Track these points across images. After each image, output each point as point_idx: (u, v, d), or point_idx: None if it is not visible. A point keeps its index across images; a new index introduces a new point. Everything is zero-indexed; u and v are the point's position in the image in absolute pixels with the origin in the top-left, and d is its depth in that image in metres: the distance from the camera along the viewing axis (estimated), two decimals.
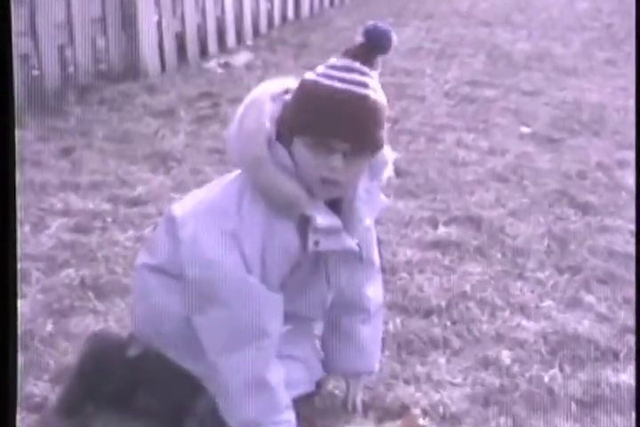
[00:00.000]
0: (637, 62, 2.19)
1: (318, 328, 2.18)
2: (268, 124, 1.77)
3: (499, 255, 2.98)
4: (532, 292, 2.76)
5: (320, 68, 1.78)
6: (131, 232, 3.07)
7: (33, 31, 4.27)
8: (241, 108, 1.82)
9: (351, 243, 1.88)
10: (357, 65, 1.75)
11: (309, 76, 1.78)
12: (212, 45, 5.42)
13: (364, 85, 1.74)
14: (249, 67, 5.30)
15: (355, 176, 1.81)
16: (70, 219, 3.14)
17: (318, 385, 2.14)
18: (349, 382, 2.17)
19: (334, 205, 1.85)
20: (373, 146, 1.80)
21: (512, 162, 3.86)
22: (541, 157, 3.94)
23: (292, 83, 1.84)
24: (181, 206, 1.90)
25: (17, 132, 1.65)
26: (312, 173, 1.76)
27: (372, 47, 1.76)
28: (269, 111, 1.79)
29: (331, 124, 1.72)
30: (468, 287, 2.74)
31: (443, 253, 2.98)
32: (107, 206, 3.27)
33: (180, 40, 5.17)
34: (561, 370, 2.35)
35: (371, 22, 1.77)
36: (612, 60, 5.70)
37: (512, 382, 2.29)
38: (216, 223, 1.79)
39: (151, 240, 2.04)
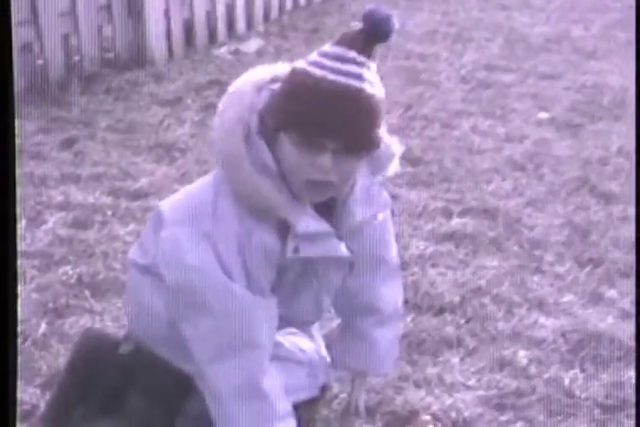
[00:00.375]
0: (637, 50, 2.07)
1: (325, 329, 2.06)
2: (248, 118, 1.63)
3: (515, 248, 2.87)
4: (551, 286, 2.64)
5: (312, 56, 1.63)
6: (132, 226, 2.96)
7: (35, 20, 4.16)
8: (224, 99, 1.68)
9: (340, 248, 1.75)
10: (353, 54, 1.59)
11: (300, 64, 1.63)
12: (222, 32, 5.29)
13: (360, 78, 1.58)
14: (260, 53, 5.18)
15: (348, 176, 1.67)
16: (69, 213, 3.04)
17: (323, 390, 2.02)
18: (354, 383, 2.06)
19: (328, 205, 1.72)
20: (367, 145, 1.65)
21: (530, 149, 3.73)
22: (560, 144, 3.81)
23: (281, 69, 1.69)
24: (169, 202, 1.78)
25: (19, 123, 1.54)
26: (297, 173, 1.62)
27: (371, 34, 1.59)
28: (250, 103, 1.64)
29: (320, 120, 1.57)
30: (483, 282, 2.64)
31: (457, 246, 2.88)
32: (107, 200, 3.16)
33: (189, 27, 5.05)
34: (582, 371, 2.26)
35: (370, 6, 1.62)
36: (634, 41, 5.53)
37: (529, 384, 2.20)
38: (191, 224, 1.67)
39: (142, 236, 1.93)
